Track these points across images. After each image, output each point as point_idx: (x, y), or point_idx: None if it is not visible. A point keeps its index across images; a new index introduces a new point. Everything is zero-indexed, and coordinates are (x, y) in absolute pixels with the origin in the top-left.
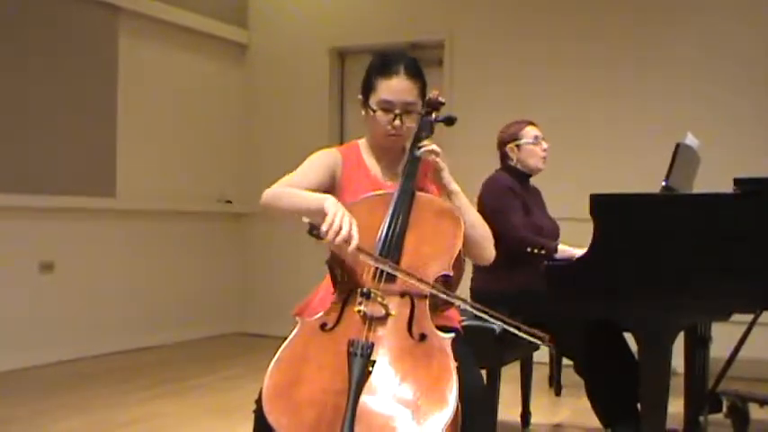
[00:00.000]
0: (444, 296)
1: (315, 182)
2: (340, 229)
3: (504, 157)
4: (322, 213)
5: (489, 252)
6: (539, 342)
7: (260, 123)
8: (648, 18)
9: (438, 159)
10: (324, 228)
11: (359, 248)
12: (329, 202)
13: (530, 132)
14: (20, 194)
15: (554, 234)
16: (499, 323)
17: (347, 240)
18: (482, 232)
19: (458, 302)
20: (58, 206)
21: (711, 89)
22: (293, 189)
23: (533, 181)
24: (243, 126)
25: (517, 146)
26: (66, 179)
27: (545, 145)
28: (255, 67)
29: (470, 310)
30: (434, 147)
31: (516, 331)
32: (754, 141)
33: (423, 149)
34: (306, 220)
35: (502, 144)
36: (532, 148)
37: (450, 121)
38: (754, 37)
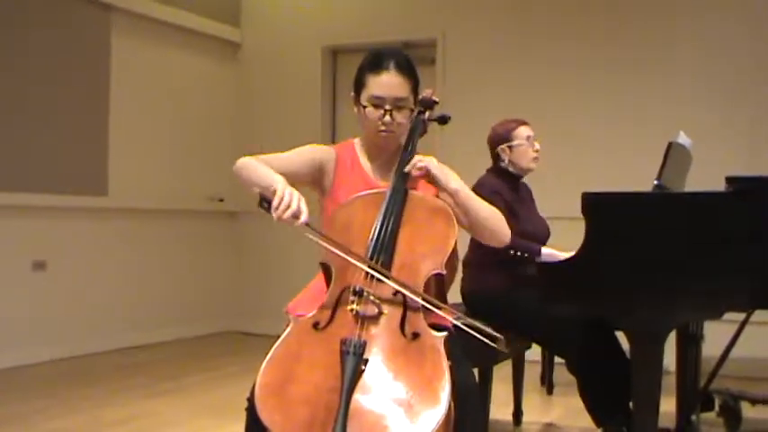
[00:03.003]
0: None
1: (294, 168)
2: (290, 204)
3: (496, 157)
4: (271, 190)
5: (503, 234)
6: (492, 344)
7: (252, 122)
8: (645, 19)
9: (425, 164)
10: (275, 202)
11: (308, 225)
12: (280, 181)
13: (522, 133)
14: (12, 193)
15: (543, 235)
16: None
17: (296, 215)
18: (494, 222)
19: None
20: (51, 205)
21: (707, 90)
22: (260, 165)
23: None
24: (235, 124)
25: (509, 147)
26: (59, 178)
27: (537, 146)
28: (248, 66)
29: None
30: (419, 161)
31: (470, 331)
32: (746, 141)
33: (409, 168)
34: (257, 190)
35: (493, 143)
36: (525, 149)
37: (443, 119)
38: (750, 39)
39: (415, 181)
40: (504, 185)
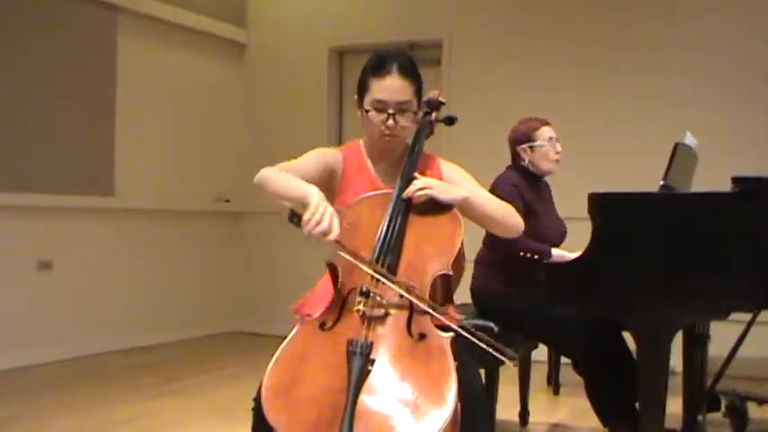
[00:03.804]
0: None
1: (309, 175)
2: (321, 220)
3: (516, 156)
4: (305, 202)
5: (516, 226)
6: (504, 359)
7: (259, 122)
8: (648, 19)
9: (426, 192)
10: (306, 216)
11: (338, 242)
12: (314, 193)
13: (545, 134)
14: (18, 193)
15: (559, 236)
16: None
17: (326, 233)
18: (505, 217)
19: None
20: (57, 205)
21: (710, 90)
22: (285, 175)
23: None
24: (241, 125)
25: (530, 147)
26: (65, 178)
27: (559, 147)
28: (254, 67)
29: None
30: (420, 189)
31: (485, 347)
32: (752, 141)
33: (410, 194)
34: (288, 204)
35: (514, 143)
36: (546, 150)
37: (450, 121)
38: (752, 38)
39: (422, 173)
40: (524, 183)
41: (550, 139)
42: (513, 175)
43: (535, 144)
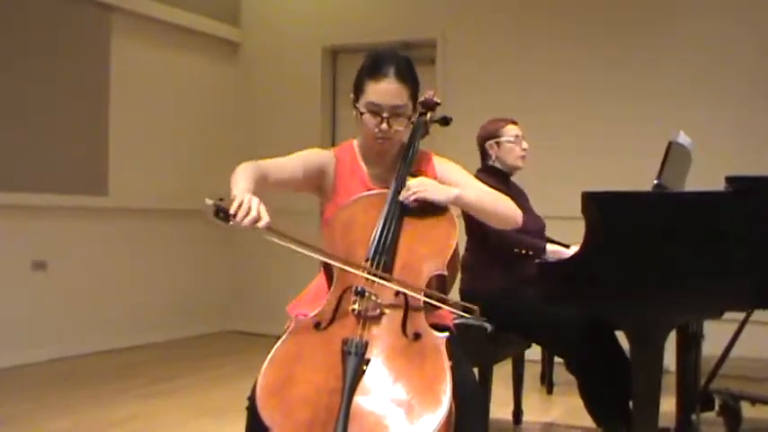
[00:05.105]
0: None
1: (290, 173)
2: (249, 210)
3: (484, 154)
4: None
5: (515, 216)
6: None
7: (252, 122)
8: (646, 20)
9: (419, 195)
10: (232, 210)
11: (269, 228)
12: (239, 190)
13: (510, 131)
14: (12, 193)
15: (537, 232)
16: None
17: (256, 221)
18: (502, 208)
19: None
20: (51, 205)
21: (707, 91)
22: (245, 172)
23: (520, 182)
24: (235, 124)
25: (497, 143)
26: (59, 178)
27: (525, 144)
28: (248, 66)
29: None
30: (413, 194)
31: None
32: (746, 141)
33: (406, 201)
34: (209, 202)
35: (482, 141)
36: (512, 146)
37: (445, 121)
38: (750, 40)
39: (416, 171)
40: (496, 184)
41: (516, 137)
42: (485, 179)
43: (501, 140)
